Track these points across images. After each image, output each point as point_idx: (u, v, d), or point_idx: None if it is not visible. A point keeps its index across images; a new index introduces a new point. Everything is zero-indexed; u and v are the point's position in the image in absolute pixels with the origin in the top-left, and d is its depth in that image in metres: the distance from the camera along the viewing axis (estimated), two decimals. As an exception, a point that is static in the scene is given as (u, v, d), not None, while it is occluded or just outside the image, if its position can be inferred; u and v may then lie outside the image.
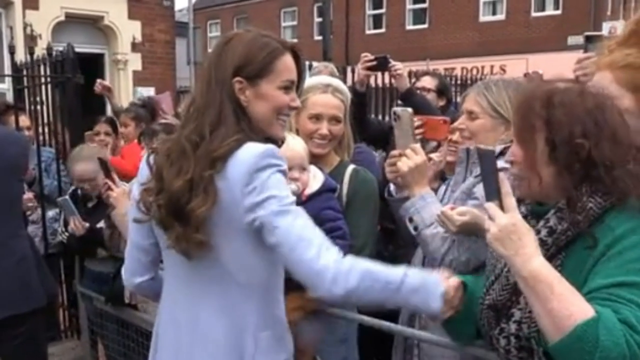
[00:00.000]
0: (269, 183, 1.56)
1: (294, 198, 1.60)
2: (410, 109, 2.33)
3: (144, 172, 1.77)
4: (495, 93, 2.22)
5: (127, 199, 2.81)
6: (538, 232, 1.52)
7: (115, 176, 3.05)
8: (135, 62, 12.37)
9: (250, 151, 1.58)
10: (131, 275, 1.91)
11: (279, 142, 1.77)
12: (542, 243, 1.49)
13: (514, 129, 1.61)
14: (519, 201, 1.64)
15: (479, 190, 2.14)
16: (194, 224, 1.58)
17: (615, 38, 1.97)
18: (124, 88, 11.84)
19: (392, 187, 2.37)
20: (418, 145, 2.25)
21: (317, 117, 2.41)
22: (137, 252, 1.87)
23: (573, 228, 1.47)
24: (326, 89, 2.44)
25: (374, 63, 3.57)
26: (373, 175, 2.55)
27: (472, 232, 2.02)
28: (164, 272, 1.87)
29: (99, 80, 5.19)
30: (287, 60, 1.72)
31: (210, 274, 1.69)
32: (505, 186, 1.47)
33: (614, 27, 16.68)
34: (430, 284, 1.60)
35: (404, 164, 2.19)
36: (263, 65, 1.67)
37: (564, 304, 1.33)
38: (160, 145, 1.75)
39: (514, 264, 1.42)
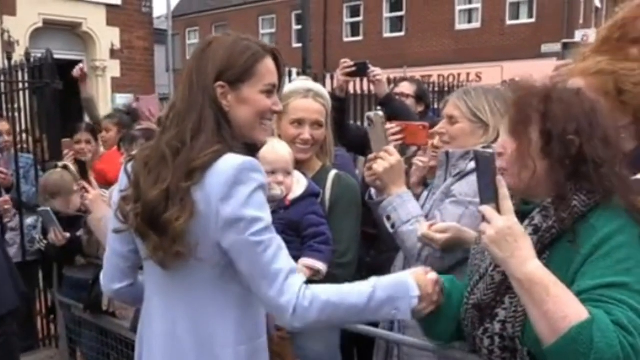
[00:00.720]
0: (250, 202, 1.54)
1: (269, 220, 1.57)
2: (381, 113, 2.37)
3: (123, 181, 1.74)
4: (474, 98, 2.27)
5: (103, 202, 2.78)
6: None
7: (92, 179, 3.01)
8: (113, 68, 12.29)
9: (230, 163, 1.56)
10: (110, 281, 1.88)
11: (259, 146, 1.75)
12: None
13: (508, 122, 1.61)
14: None
15: (457, 188, 2.18)
16: (172, 235, 1.56)
17: (590, 45, 2.02)
18: (102, 95, 11.71)
19: (372, 190, 2.39)
20: (391, 147, 2.30)
21: (299, 122, 2.42)
22: (116, 258, 1.84)
23: (558, 225, 1.48)
24: (307, 94, 2.45)
25: (354, 69, 3.58)
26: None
27: (456, 246, 2.04)
28: (144, 279, 1.84)
29: (80, 65, 5.13)
30: (269, 63, 1.70)
31: (187, 284, 1.66)
32: (503, 189, 1.47)
33: (587, 35, 17.02)
34: (401, 293, 1.58)
35: (379, 166, 2.25)
36: (245, 69, 1.65)
37: (559, 306, 1.33)
38: (139, 153, 1.72)
39: (509, 267, 1.42)
